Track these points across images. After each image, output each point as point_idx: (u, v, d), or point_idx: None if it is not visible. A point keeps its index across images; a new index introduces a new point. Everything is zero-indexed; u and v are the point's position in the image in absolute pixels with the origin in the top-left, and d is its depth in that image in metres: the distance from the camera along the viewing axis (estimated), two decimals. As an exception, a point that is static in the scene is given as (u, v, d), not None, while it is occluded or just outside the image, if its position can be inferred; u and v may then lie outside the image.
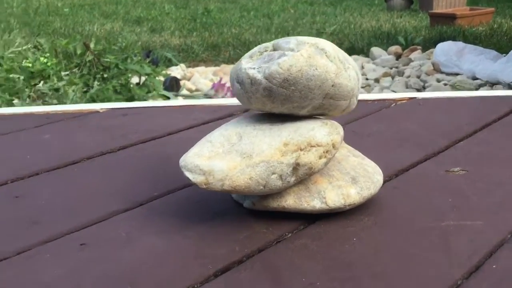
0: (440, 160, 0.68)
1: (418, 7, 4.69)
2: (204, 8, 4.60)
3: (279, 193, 0.52)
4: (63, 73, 2.21)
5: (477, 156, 0.69)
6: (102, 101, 2.02)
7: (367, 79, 2.68)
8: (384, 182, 0.62)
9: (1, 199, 0.58)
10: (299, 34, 3.77)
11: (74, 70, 2.24)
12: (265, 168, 0.49)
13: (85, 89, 2.08)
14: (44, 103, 2.03)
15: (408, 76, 2.66)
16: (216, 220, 0.54)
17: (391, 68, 2.82)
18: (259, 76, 0.48)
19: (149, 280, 0.45)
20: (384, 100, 0.90)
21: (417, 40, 3.36)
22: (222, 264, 0.47)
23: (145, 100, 2.13)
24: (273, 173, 0.49)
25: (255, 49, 0.51)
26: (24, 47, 1.70)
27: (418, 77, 2.63)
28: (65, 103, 1.67)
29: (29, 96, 2.02)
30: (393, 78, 2.67)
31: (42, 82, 2.27)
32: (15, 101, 1.36)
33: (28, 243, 0.49)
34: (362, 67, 2.88)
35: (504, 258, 0.48)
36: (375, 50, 3.11)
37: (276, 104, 0.50)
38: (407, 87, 2.51)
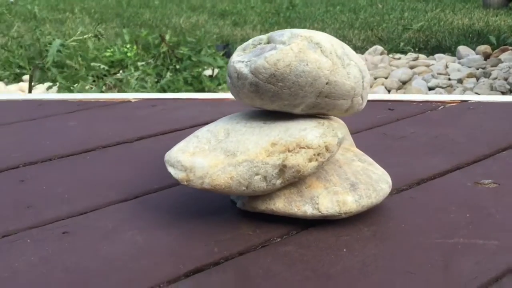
0: (473, 171, 0.62)
1: (518, 5, 4.39)
2: (289, 2, 4.57)
3: (269, 195, 0.49)
4: (139, 64, 2.28)
5: (516, 168, 0.62)
6: (173, 91, 2.06)
7: (449, 79, 2.53)
8: (402, 190, 0.58)
9: (7, 182, 0.59)
10: (383, 30, 3.66)
11: (149, 61, 2.30)
12: (248, 168, 0.46)
13: (157, 80, 2.13)
14: (120, 91, 2.10)
15: (495, 78, 2.48)
16: (206, 219, 0.52)
17: (477, 69, 2.65)
18: (245, 70, 0.46)
19: (116, 275, 0.44)
20: (431, 102, 0.84)
21: (510, 40, 3.14)
22: (196, 264, 0.45)
23: (215, 92, 2.15)
24: (257, 174, 0.46)
25: (249, 41, 0.48)
26: (85, 36, 1.77)
27: (506, 79, 2.45)
28: (125, 91, 1.71)
29: (105, 84, 2.10)
30: (478, 79, 2.51)
31: (121, 71, 2.36)
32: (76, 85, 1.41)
33: (15, 226, 0.50)
34: (447, 67, 2.73)
35: (509, 285, 0.42)
36: (462, 49, 2.94)
37: (265, 101, 0.47)
38: (492, 89, 2.35)
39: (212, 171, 0.46)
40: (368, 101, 0.85)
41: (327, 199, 0.49)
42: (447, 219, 0.52)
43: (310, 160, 0.47)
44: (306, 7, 4.48)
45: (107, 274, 0.44)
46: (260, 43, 0.47)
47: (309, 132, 0.47)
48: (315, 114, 0.49)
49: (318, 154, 0.47)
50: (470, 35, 3.39)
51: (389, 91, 2.42)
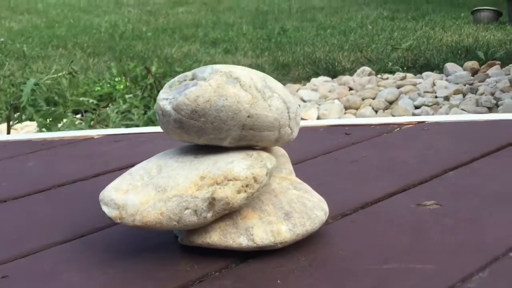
0: (417, 192, 0.62)
1: (508, 19, 4.42)
2: (281, 28, 4.63)
3: (204, 228, 0.50)
4: (127, 96, 2.31)
5: (460, 189, 0.62)
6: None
7: (436, 96, 2.55)
8: (346, 215, 0.58)
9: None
10: (372, 51, 3.69)
11: (137, 93, 2.32)
12: (177, 203, 0.47)
13: (144, 111, 2.15)
14: (105, 126, 2.12)
15: (482, 94, 2.49)
16: (145, 255, 0.52)
17: (464, 85, 2.66)
18: (169, 107, 0.47)
19: (47, 317, 0.44)
20: (388, 124, 0.85)
21: (498, 55, 3.16)
22: (129, 303, 0.46)
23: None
24: (187, 208, 0.47)
25: (176, 78, 0.50)
26: (59, 74, 1.80)
27: (492, 94, 2.46)
28: (107, 126, 1.73)
29: (93, 119, 2.12)
30: (464, 95, 2.52)
31: (110, 104, 2.38)
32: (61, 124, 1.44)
33: (-43, 272, 0.51)
34: (434, 84, 2.74)
35: (437, 309, 0.43)
36: (450, 66, 2.96)
37: (192, 136, 0.48)
38: (478, 105, 2.36)
39: (142, 208, 0.47)
40: (326, 126, 0.86)
41: (261, 230, 0.50)
42: (385, 243, 0.52)
43: (238, 192, 0.47)
44: (297, 32, 4.53)
45: (37, 315, 0.44)
46: (185, 80, 0.49)
47: (236, 164, 0.48)
48: (245, 146, 0.50)
49: (247, 186, 0.48)
50: (459, 52, 3.42)
51: (376, 112, 2.43)
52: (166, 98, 0.48)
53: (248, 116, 0.46)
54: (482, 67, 2.97)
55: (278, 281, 0.47)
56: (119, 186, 0.49)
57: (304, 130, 0.82)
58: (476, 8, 4.70)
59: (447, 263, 0.49)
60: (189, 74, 0.49)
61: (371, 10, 5.35)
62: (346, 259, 0.50)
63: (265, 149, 0.52)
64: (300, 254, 0.51)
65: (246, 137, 0.48)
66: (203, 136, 0.47)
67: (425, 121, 0.84)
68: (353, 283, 0.46)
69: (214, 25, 5.00)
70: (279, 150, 0.56)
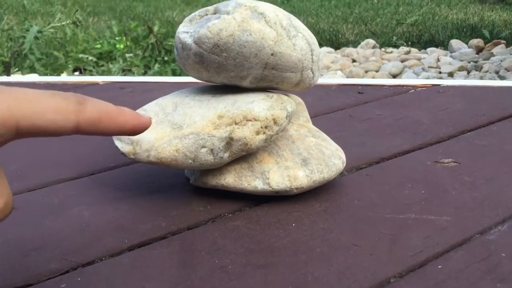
0: (434, 151, 0.61)
1: (514, 0, 4.38)
2: (285, -3, 4.56)
3: (219, 170, 0.49)
4: (127, 55, 2.27)
5: (478, 148, 0.61)
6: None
7: (440, 72, 2.52)
8: (360, 168, 0.57)
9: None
10: (377, 24, 3.64)
11: (138, 52, 2.29)
12: (194, 140, 0.46)
13: (144, 71, 2.12)
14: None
15: (486, 71, 2.47)
16: (157, 195, 0.51)
17: (469, 62, 2.64)
18: (189, 40, 0.45)
19: (57, 248, 0.43)
20: (402, 86, 0.83)
21: (503, 34, 3.13)
22: (141, 239, 0.45)
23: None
24: (203, 147, 0.46)
25: (196, 12, 0.47)
26: (63, 23, 1.76)
27: (497, 72, 2.45)
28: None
29: (92, 75, 2.09)
30: (468, 72, 2.50)
31: (109, 63, 2.35)
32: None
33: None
34: (438, 60, 2.72)
35: (456, 259, 0.42)
36: (455, 43, 2.93)
37: (212, 73, 0.46)
38: (482, 82, 2.34)
39: (157, 144, 0.46)
40: (338, 85, 0.85)
41: (278, 174, 0.48)
42: (401, 196, 0.51)
43: (257, 133, 0.46)
44: (301, 2, 4.47)
45: (46, 247, 0.43)
46: (206, 14, 0.47)
47: (257, 105, 0.46)
48: (265, 87, 0.48)
49: (266, 127, 0.46)
50: (464, 29, 3.38)
51: (379, 84, 2.41)
52: (186, 32, 0.46)
53: (272, 54, 0.45)
54: (487, 45, 2.94)
55: (293, 224, 0.46)
56: (134, 122, 0.48)
57: (316, 87, 0.81)
58: (483, -13, 4.64)
59: (465, 216, 0.48)
60: (210, 8, 0.47)
61: (377, -16, 5.28)
62: (362, 208, 0.49)
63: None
64: (315, 200, 0.50)
65: (267, 77, 0.46)
66: (223, 73, 0.46)
67: (440, 84, 0.83)
68: (370, 230, 0.45)
69: (217, -9, 4.92)
70: (297, 98, 0.55)
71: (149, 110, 0.48)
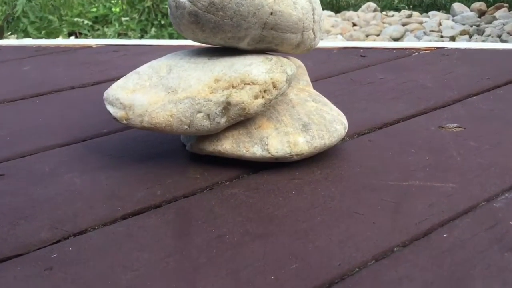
0: (439, 115, 0.59)
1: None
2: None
3: (216, 136, 0.47)
4: (123, 19, 2.23)
5: (484, 113, 0.59)
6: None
7: (442, 36, 2.48)
8: (363, 134, 0.55)
9: (-50, 125, 0.56)
10: (378, -13, 3.57)
11: (134, 16, 2.24)
12: (189, 105, 0.44)
13: (141, 35, 2.08)
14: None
15: (488, 35, 2.43)
16: (152, 162, 0.49)
17: (471, 26, 2.60)
18: (184, -2, 0.42)
19: (47, 216, 0.41)
20: (405, 48, 0.81)
21: (506, -3, 3.07)
22: (135, 207, 0.43)
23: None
24: (199, 112, 0.44)
25: (191, -31, 0.45)
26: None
27: (499, 36, 2.40)
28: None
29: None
30: (471, 36, 2.46)
31: (104, 26, 2.30)
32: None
33: (-51, 170, 0.48)
34: (440, 24, 2.67)
35: (462, 227, 0.40)
36: (457, 6, 2.87)
37: (208, 34, 0.43)
38: (484, 46, 2.30)
39: (151, 108, 0.44)
40: (339, 48, 0.82)
41: (277, 140, 0.46)
42: (404, 162, 0.49)
43: (256, 97, 0.44)
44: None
45: (36, 215, 0.42)
46: (202, -29, 0.44)
47: (255, 67, 0.44)
48: (264, 49, 0.46)
49: (265, 91, 0.44)
50: (466, -8, 3.31)
51: (379, 49, 2.37)
52: (181, -11, 0.43)
53: (271, 13, 0.42)
54: (490, 9, 2.88)
55: (293, 192, 0.45)
56: (125, 85, 0.46)
57: (316, 51, 0.78)
58: (486, -51, 4.54)
59: (470, 183, 0.46)
60: (206, -36, 0.44)
61: None
62: (364, 175, 0.47)
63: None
64: (316, 167, 0.48)
65: (266, 38, 0.44)
66: (220, 33, 0.43)
67: (444, 47, 0.80)
68: (372, 197, 0.44)
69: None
70: (296, 61, 0.52)
71: (142, 72, 0.46)
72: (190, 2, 0.42)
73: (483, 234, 0.39)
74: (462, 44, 0.81)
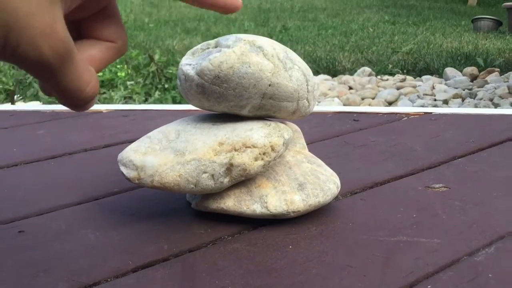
0: (426, 176, 0.63)
1: (507, 29, 4.46)
2: (282, 26, 4.64)
3: (219, 194, 0.51)
4: (128, 83, 2.31)
5: (468, 174, 0.64)
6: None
7: (435, 99, 2.57)
8: (355, 193, 0.59)
9: (-29, 185, 0.61)
10: (373, 52, 3.70)
11: (139, 80, 2.33)
12: (195, 166, 0.48)
13: (145, 98, 2.16)
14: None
15: (480, 99, 2.52)
16: (160, 220, 0.53)
17: (463, 90, 2.69)
18: (192, 72, 0.48)
19: (64, 269, 0.45)
20: (396, 113, 0.86)
21: (497, 63, 3.19)
22: (144, 261, 0.47)
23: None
24: (204, 172, 0.48)
25: (198, 46, 0.50)
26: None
27: (491, 100, 2.49)
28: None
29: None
30: (463, 99, 2.55)
31: (110, 90, 2.38)
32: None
33: (-28, 226, 0.52)
34: (433, 87, 2.77)
35: (445, 279, 0.44)
36: (449, 71, 2.98)
37: (212, 103, 0.49)
38: (476, 109, 2.38)
39: (161, 169, 0.48)
40: (334, 112, 0.88)
41: (275, 198, 0.51)
42: (393, 219, 0.53)
43: (256, 159, 0.48)
44: (299, 31, 4.55)
45: (54, 268, 0.45)
46: (208, 48, 0.50)
47: (255, 132, 0.49)
48: (263, 116, 0.51)
49: (264, 153, 0.49)
50: (458, 58, 3.44)
51: (375, 111, 2.44)
52: (189, 64, 0.48)
53: (269, 85, 0.47)
54: (481, 73, 2.99)
55: (290, 246, 0.48)
56: (138, 148, 0.50)
57: (312, 115, 0.83)
58: (476, 17, 4.74)
59: (454, 239, 0.50)
60: (212, 42, 0.50)
61: (373, 14, 5.38)
62: (356, 231, 0.51)
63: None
64: (311, 224, 0.52)
65: (265, 106, 0.49)
66: (224, 102, 0.48)
67: (432, 112, 0.86)
68: (363, 252, 0.48)
69: (216, 20, 5.01)
70: (293, 126, 0.57)
71: (153, 137, 0.51)
72: (198, 75, 0.47)
73: (464, 286, 0.43)
74: (448, 109, 0.87)
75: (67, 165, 0.67)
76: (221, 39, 0.49)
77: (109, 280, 0.44)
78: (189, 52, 0.50)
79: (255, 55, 0.47)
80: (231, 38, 0.48)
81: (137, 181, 0.49)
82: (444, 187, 0.60)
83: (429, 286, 0.43)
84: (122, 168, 0.50)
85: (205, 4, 0.33)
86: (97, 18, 0.33)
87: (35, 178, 0.63)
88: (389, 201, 0.57)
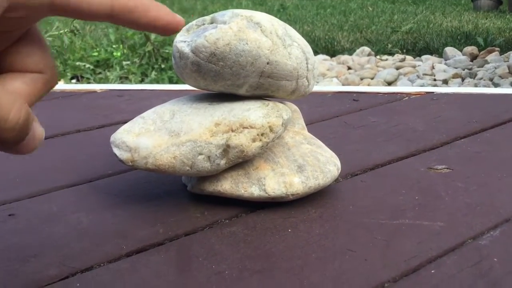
0: (428, 157, 0.62)
1: (508, 8, 4.41)
2: (280, 5, 4.59)
3: (216, 177, 0.49)
4: (124, 63, 2.28)
5: (471, 155, 0.62)
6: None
7: (435, 79, 2.54)
8: (355, 175, 0.58)
9: (-39, 167, 0.59)
10: (372, 32, 3.67)
11: (135, 60, 2.30)
12: (191, 147, 0.46)
13: (141, 78, 2.13)
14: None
15: (480, 78, 2.49)
16: (155, 202, 0.52)
17: (463, 69, 2.66)
18: (187, 49, 0.46)
19: (56, 254, 0.44)
20: (396, 93, 0.84)
21: (497, 42, 3.16)
22: (139, 245, 0.45)
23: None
24: (200, 154, 0.46)
25: (193, 22, 0.48)
26: (61, 31, 1.76)
27: (491, 79, 2.46)
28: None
29: (89, 83, 2.10)
30: (463, 79, 2.52)
31: (106, 70, 2.36)
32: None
33: (-39, 210, 0.50)
34: (433, 67, 2.74)
35: (449, 264, 0.42)
36: (449, 50, 2.95)
37: (209, 81, 0.47)
38: (476, 89, 2.35)
39: (155, 151, 0.47)
40: (333, 92, 0.86)
41: (273, 181, 0.49)
42: (395, 202, 0.52)
43: (253, 140, 0.47)
44: (297, 10, 4.50)
45: (45, 253, 0.44)
46: (203, 24, 0.48)
47: (253, 112, 0.47)
48: (261, 95, 0.49)
49: (262, 134, 0.47)
50: (458, 37, 3.41)
51: (374, 91, 2.42)
52: (184, 41, 0.46)
53: (268, 63, 0.45)
54: (481, 53, 2.96)
55: (289, 230, 0.47)
56: (131, 129, 0.48)
57: (311, 95, 0.81)
58: (477, -4, 4.68)
59: (457, 221, 0.49)
60: (207, 18, 0.48)
61: (372, -8, 5.31)
62: (356, 213, 0.50)
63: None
64: (311, 207, 0.51)
65: (263, 85, 0.47)
66: (220, 81, 0.46)
67: (433, 92, 0.84)
68: (364, 235, 0.46)
69: (214, -1, 4.95)
70: (292, 106, 0.55)
71: (147, 117, 0.49)
72: (193, 53, 0.45)
73: (469, 270, 0.41)
74: (450, 89, 0.85)
75: (59, 146, 0.65)
76: (217, 15, 0.47)
77: (102, 265, 0.43)
78: (184, 28, 0.48)
79: (253, 32, 0.45)
80: (227, 14, 0.46)
81: (130, 163, 0.47)
82: (447, 168, 0.59)
83: (432, 271, 0.42)
84: (115, 150, 0.48)
85: (144, 26, 0.28)
86: (18, 47, 0.28)
87: (26, 159, 0.61)
88: (391, 183, 0.56)
